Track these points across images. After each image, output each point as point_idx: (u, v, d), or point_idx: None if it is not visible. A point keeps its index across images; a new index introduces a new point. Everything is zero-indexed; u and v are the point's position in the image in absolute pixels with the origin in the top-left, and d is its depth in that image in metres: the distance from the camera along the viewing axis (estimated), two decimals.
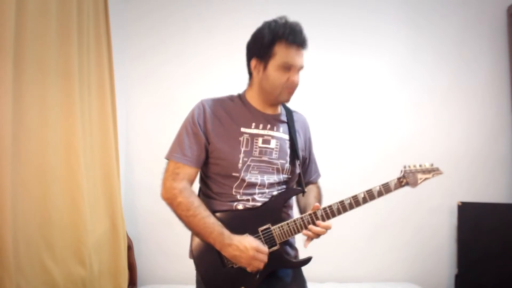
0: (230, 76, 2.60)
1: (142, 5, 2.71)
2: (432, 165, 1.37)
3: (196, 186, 1.40)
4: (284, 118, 1.43)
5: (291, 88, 1.32)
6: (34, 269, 1.61)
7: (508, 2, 2.64)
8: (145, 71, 2.70)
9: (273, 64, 1.29)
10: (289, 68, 1.29)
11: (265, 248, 1.24)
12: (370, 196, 1.30)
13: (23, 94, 1.59)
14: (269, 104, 1.38)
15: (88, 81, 2.05)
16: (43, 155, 1.69)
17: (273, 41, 1.28)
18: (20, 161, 1.57)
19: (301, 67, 1.33)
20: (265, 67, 1.31)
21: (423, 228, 2.61)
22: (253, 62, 1.34)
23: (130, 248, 2.42)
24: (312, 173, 1.56)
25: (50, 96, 1.74)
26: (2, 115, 1.45)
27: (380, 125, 2.67)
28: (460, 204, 2.49)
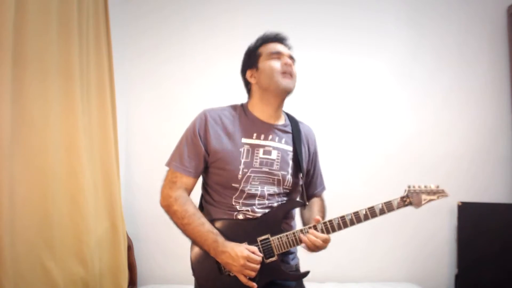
0: (230, 76, 2.59)
1: (142, 5, 2.71)
2: (438, 186, 1.34)
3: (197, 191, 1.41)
4: (288, 128, 1.42)
5: (287, 70, 1.34)
6: (33, 269, 1.61)
7: (508, 2, 2.63)
8: (145, 71, 2.70)
9: (262, 60, 1.37)
10: (277, 55, 1.36)
11: (257, 257, 1.23)
12: (371, 213, 1.31)
13: (23, 94, 1.59)
14: (273, 106, 1.38)
15: (88, 81, 2.05)
16: (44, 155, 1.69)
17: (257, 46, 1.41)
18: (20, 161, 1.57)
19: (290, 56, 1.38)
20: (257, 68, 1.38)
21: (423, 228, 2.61)
22: (249, 73, 1.41)
23: (130, 248, 2.42)
24: (317, 186, 1.54)
25: (51, 96, 1.74)
26: (2, 115, 1.45)
27: (381, 125, 2.66)
28: (460, 204, 2.49)
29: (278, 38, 1.40)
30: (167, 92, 2.68)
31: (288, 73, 1.34)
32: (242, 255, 1.21)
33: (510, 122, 2.65)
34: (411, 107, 2.67)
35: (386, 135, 2.66)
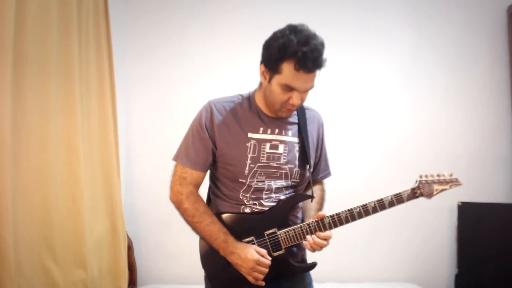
0: (231, 76, 2.59)
1: (142, 5, 2.71)
2: (451, 175, 1.28)
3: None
4: (294, 119, 1.38)
5: (290, 108, 1.26)
6: (34, 269, 1.62)
7: (508, 2, 2.63)
8: (145, 71, 2.69)
9: (277, 80, 1.21)
10: (292, 89, 1.22)
11: (266, 261, 1.24)
12: (380, 206, 1.26)
13: (24, 94, 1.59)
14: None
15: (88, 81, 2.05)
16: (44, 156, 1.69)
17: (281, 59, 1.17)
18: (20, 162, 1.57)
19: (308, 89, 1.25)
20: (270, 79, 1.24)
21: (423, 228, 2.61)
22: (262, 68, 1.27)
23: (130, 248, 2.42)
24: (321, 172, 1.51)
25: (51, 97, 1.74)
26: (2, 116, 1.45)
27: (381, 124, 2.67)
28: (460, 204, 2.49)
29: (307, 70, 1.16)
30: (167, 92, 2.67)
31: (291, 110, 1.28)
32: (252, 258, 1.22)
33: (510, 121, 2.65)
34: (411, 106, 2.68)
35: (386, 134, 2.66)
